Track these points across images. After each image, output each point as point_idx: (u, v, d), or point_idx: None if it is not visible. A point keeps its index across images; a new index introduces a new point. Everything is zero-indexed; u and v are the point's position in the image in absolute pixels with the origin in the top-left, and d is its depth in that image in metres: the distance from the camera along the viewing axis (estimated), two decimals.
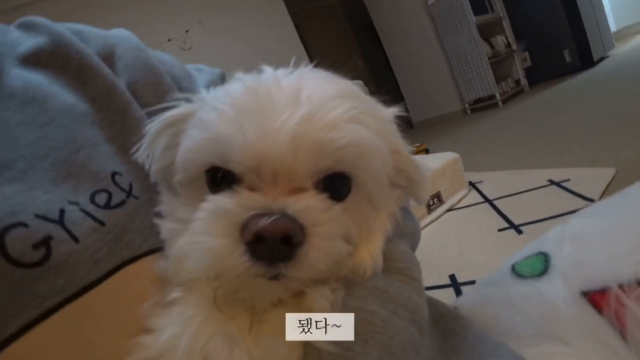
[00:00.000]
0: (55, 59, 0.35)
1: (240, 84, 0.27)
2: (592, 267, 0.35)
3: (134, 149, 0.31)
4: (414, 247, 0.38)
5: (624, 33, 4.97)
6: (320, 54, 4.54)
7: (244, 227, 0.22)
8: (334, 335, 0.24)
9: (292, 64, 0.30)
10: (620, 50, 4.19)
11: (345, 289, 0.27)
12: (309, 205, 0.23)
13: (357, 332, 0.25)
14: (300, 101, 0.24)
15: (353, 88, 0.30)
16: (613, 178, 1.37)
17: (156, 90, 0.39)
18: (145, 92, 0.38)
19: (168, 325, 0.25)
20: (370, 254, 0.28)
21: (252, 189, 0.25)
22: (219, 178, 0.26)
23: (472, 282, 1.06)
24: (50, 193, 0.27)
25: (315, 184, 0.25)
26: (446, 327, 0.36)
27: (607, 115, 2.12)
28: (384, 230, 0.30)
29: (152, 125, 0.30)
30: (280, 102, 0.24)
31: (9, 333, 0.21)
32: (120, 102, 0.35)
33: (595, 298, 0.33)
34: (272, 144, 0.23)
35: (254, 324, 0.25)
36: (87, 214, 0.27)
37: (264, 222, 0.22)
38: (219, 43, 3.36)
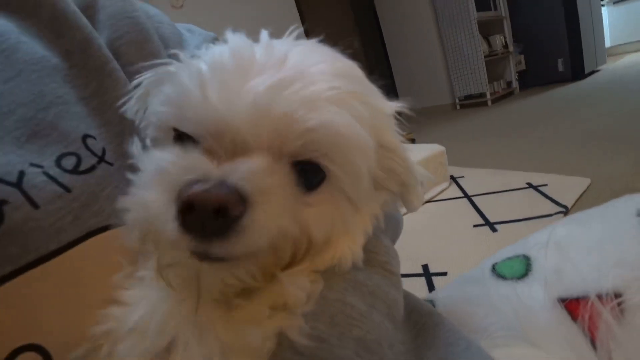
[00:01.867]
0: (25, 3, 0.31)
1: (225, 44, 0.24)
2: (573, 275, 0.35)
3: (121, 102, 0.29)
4: (394, 239, 0.37)
5: (617, 50, 5.07)
6: (317, 27, 4.41)
7: (179, 193, 0.19)
8: (309, 327, 0.23)
9: (288, 32, 0.27)
10: (611, 66, 4.27)
11: (324, 281, 0.26)
12: (254, 170, 0.20)
13: (334, 324, 0.24)
14: (281, 70, 0.22)
15: (354, 71, 0.26)
16: (587, 188, 1.42)
17: (141, 49, 0.35)
18: (128, 49, 0.35)
19: (139, 303, 0.24)
20: (349, 248, 0.26)
21: (210, 153, 0.22)
22: (185, 137, 0.23)
23: (444, 274, 1.08)
24: (11, 154, 0.24)
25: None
26: (418, 322, 0.35)
27: (589, 129, 2.17)
28: (364, 231, 0.27)
29: (143, 79, 0.27)
30: (258, 67, 0.22)
31: None
32: (97, 59, 0.32)
33: (571, 305, 0.34)
34: (233, 109, 0.20)
35: (225, 312, 0.24)
36: (51, 178, 0.25)
37: (197, 188, 0.18)
38: (213, 5, 3.20)
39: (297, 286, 0.24)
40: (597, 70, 4.17)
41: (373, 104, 0.26)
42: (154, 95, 0.26)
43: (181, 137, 0.24)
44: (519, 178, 1.66)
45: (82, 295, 0.25)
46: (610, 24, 5.07)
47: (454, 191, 1.73)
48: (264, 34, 0.26)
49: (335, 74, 0.23)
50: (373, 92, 0.27)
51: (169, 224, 0.19)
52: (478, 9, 3.71)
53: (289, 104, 0.20)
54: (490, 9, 3.91)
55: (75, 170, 0.27)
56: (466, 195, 1.64)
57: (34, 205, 0.23)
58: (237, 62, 0.22)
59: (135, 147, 0.28)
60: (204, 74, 0.22)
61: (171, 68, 0.27)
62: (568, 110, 2.80)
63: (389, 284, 0.29)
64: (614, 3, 5.13)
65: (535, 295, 0.35)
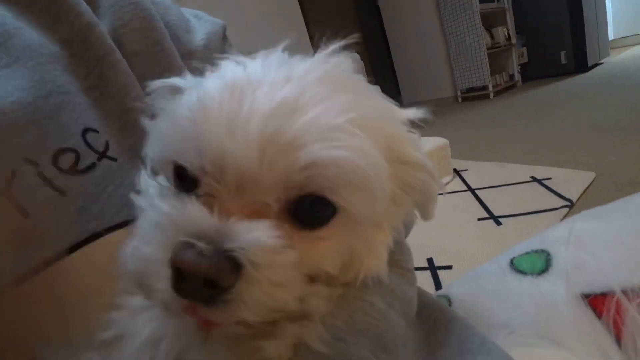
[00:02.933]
0: None
1: (229, 72, 0.22)
2: (595, 270, 0.35)
3: (122, 95, 0.28)
4: (406, 234, 0.36)
5: (620, 42, 5.04)
6: (317, 19, 4.37)
7: (172, 257, 0.18)
8: (327, 324, 0.22)
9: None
10: (614, 59, 4.24)
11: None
12: (257, 241, 0.18)
13: (353, 322, 0.23)
14: (283, 97, 0.19)
15: (359, 83, 0.24)
16: (592, 182, 1.41)
17: (145, 37, 0.33)
18: (132, 37, 0.33)
19: (144, 311, 0.22)
20: (374, 265, 0.24)
21: (212, 195, 0.20)
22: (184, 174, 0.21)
23: (449, 267, 1.08)
24: (6, 141, 0.23)
25: (284, 204, 0.20)
26: (429, 318, 0.35)
27: (593, 122, 2.16)
28: (386, 245, 0.25)
29: (158, 83, 0.25)
30: (261, 102, 0.19)
31: None
32: (99, 48, 0.30)
33: (595, 301, 0.33)
34: (235, 141, 0.18)
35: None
36: (45, 179, 0.23)
37: (187, 256, 0.17)
38: None
39: (317, 296, 0.23)
40: (600, 63, 4.14)
41: (384, 117, 0.24)
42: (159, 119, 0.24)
43: (181, 172, 0.21)
44: (523, 171, 1.65)
45: (86, 301, 0.24)
46: (614, 16, 5.02)
47: (458, 184, 1.72)
48: (262, 58, 0.23)
49: (340, 90, 0.21)
50: (381, 102, 0.25)
51: (163, 284, 0.18)
52: (481, 1, 3.67)
53: (292, 133, 0.18)
54: (493, 1, 3.87)
55: (73, 169, 0.25)
56: (470, 189, 1.63)
57: (24, 213, 0.22)
58: (235, 96, 0.19)
59: (142, 179, 0.26)
60: (199, 109, 0.20)
61: (177, 83, 0.24)
62: (571, 103, 2.79)
63: (405, 282, 0.28)
64: None
65: (557, 291, 0.35)
